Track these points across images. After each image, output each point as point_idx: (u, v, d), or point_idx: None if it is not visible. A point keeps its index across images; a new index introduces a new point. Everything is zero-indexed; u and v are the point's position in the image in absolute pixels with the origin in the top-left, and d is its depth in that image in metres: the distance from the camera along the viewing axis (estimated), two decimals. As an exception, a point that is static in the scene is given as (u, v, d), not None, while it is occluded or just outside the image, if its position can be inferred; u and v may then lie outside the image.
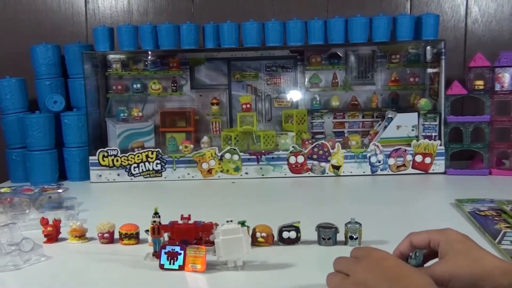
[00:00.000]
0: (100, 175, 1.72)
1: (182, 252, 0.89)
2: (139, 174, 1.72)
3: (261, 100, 1.91)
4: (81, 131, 1.75)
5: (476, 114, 1.72)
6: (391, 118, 1.77)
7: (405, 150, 1.70)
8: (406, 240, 0.78)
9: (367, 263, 0.70)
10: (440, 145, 1.70)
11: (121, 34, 1.75)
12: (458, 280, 0.70)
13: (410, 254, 0.78)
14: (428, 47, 1.81)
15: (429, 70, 1.82)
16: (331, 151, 1.70)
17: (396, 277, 0.66)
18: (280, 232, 1.01)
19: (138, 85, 1.86)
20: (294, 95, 1.90)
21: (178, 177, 1.71)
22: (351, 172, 1.71)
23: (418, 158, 1.70)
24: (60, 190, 1.41)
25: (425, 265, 0.77)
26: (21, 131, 1.75)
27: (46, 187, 1.45)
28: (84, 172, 1.74)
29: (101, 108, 1.87)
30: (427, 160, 1.70)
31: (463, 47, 1.92)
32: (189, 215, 0.95)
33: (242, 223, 0.91)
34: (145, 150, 1.72)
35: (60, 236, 1.10)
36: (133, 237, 1.04)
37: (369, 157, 1.70)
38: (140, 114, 1.85)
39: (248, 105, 1.78)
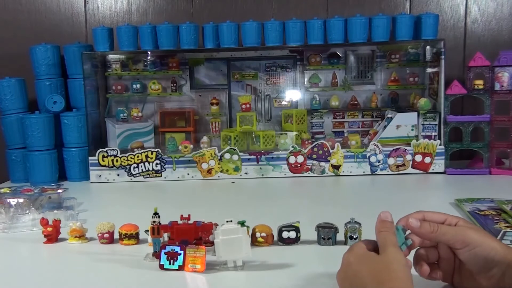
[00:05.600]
0: (100, 175, 1.72)
1: (182, 252, 0.89)
2: (138, 174, 1.72)
3: (261, 100, 1.91)
4: (80, 132, 1.75)
5: (475, 113, 1.71)
6: (391, 118, 1.77)
7: (405, 149, 1.70)
8: (419, 214, 0.75)
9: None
10: (440, 144, 1.70)
11: (120, 35, 1.75)
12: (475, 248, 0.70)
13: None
14: (428, 47, 1.80)
15: (429, 70, 1.82)
16: (331, 151, 1.70)
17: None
18: (280, 232, 1.01)
19: (138, 85, 1.86)
20: (294, 95, 1.90)
21: (178, 177, 1.71)
22: (350, 172, 1.71)
23: (418, 158, 1.70)
24: (60, 191, 1.41)
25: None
26: (20, 131, 1.75)
27: (46, 187, 1.45)
28: (84, 172, 1.74)
29: (100, 108, 1.87)
30: (427, 159, 1.70)
31: (462, 47, 1.92)
32: (189, 215, 0.95)
33: (242, 223, 0.91)
34: (144, 150, 1.72)
35: (60, 236, 1.10)
36: (133, 237, 1.04)
37: (369, 156, 1.70)
38: (140, 114, 1.85)
39: (248, 105, 1.78)
